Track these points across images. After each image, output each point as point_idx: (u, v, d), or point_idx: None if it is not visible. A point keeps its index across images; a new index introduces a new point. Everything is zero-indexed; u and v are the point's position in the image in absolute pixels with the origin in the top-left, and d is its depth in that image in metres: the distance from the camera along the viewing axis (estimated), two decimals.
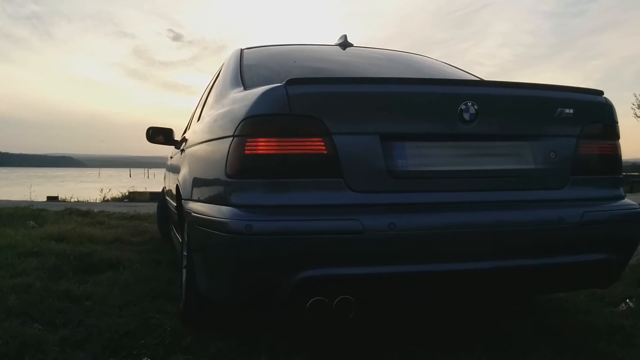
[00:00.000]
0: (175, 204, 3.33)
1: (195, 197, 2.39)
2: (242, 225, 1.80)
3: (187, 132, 3.69)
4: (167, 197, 4.44)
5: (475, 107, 2.01)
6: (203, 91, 3.92)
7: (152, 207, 8.11)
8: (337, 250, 1.84)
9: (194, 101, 4.56)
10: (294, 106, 1.88)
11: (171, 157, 4.52)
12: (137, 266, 3.96)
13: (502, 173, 2.11)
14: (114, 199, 15.94)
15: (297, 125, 1.90)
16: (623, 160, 2.43)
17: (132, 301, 3.02)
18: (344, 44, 3.43)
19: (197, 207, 2.22)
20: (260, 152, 1.91)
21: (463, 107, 2.00)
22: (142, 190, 17.47)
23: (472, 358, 2.23)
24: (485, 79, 2.92)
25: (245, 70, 2.66)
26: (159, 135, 4.22)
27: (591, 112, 2.23)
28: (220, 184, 2.02)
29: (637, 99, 29.93)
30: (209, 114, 2.72)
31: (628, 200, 2.27)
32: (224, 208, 1.93)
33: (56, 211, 7.95)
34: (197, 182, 2.46)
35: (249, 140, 1.91)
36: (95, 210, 8.58)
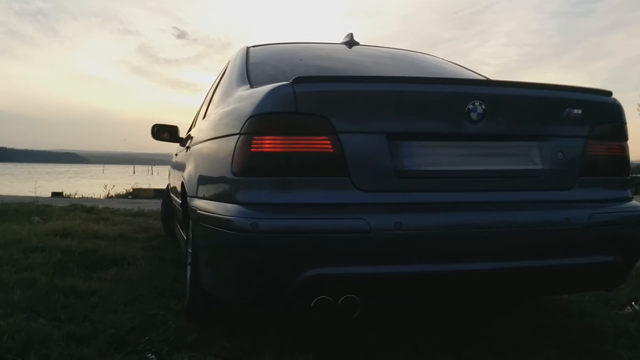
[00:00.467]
0: (180, 201, 3.33)
1: (200, 194, 2.39)
2: (248, 223, 1.80)
3: (193, 129, 3.70)
4: (172, 194, 4.45)
5: (483, 106, 2.00)
6: (208, 89, 3.92)
7: (156, 204, 8.12)
8: (343, 249, 1.83)
9: (198, 99, 4.57)
10: (300, 104, 1.88)
11: (176, 155, 4.52)
12: (141, 263, 3.97)
13: (509, 173, 2.11)
14: (118, 196, 15.97)
15: (303, 123, 1.90)
16: (631, 161, 2.41)
17: (136, 297, 3.02)
18: (350, 42, 3.42)
19: (203, 205, 2.22)
20: (266, 150, 1.90)
21: (470, 106, 1.99)
22: (146, 187, 17.50)
23: (477, 357, 2.22)
24: (491, 78, 2.91)
25: (251, 68, 2.66)
26: (164, 132, 4.22)
27: (599, 112, 2.22)
28: (226, 182, 2.02)
29: None
30: (214, 111, 2.72)
31: (635, 202, 2.25)
32: (230, 206, 1.93)
33: (61, 207, 7.97)
34: (202, 180, 2.46)
35: (256, 138, 1.91)
36: (100, 206, 8.60)
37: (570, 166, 2.16)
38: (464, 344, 2.36)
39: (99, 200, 13.07)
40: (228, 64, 3.10)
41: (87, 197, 14.30)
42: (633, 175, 19.19)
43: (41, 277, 3.31)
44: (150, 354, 2.24)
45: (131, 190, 16.89)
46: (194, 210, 2.36)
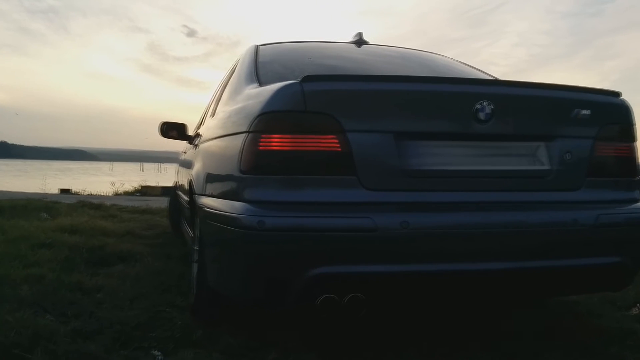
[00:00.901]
0: (187, 199, 3.34)
1: (208, 192, 2.39)
2: (255, 221, 1.80)
3: (201, 127, 3.70)
4: (180, 192, 4.46)
5: (491, 106, 1.99)
6: (217, 87, 3.93)
7: (163, 202, 8.14)
8: (349, 248, 1.83)
9: (207, 97, 4.57)
10: (309, 103, 1.88)
11: (184, 152, 4.53)
12: (148, 260, 3.98)
13: (517, 173, 2.10)
14: (126, 193, 16.00)
15: (311, 122, 1.90)
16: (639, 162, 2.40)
17: (143, 294, 3.03)
18: (359, 41, 3.42)
19: (210, 202, 2.22)
20: (274, 148, 1.91)
21: (478, 106, 1.99)
22: (154, 185, 17.53)
23: (484, 357, 2.22)
24: (500, 78, 2.90)
25: (260, 66, 2.66)
26: (173, 130, 4.23)
27: (608, 113, 2.21)
28: (234, 180, 2.02)
29: None
30: (223, 109, 2.73)
31: None
32: (237, 203, 1.93)
33: (69, 204, 8.00)
34: (210, 177, 2.47)
35: (264, 136, 1.91)
36: (108, 203, 8.62)
37: (578, 167, 2.15)
38: (470, 343, 2.36)
39: (107, 197, 13.10)
40: (237, 62, 3.11)
41: (95, 195, 14.33)
42: None
43: (48, 273, 3.33)
44: (155, 351, 2.25)
45: (139, 187, 16.93)
46: (201, 207, 2.37)
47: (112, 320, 2.54)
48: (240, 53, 3.17)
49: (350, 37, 3.53)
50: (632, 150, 2.28)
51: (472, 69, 3.21)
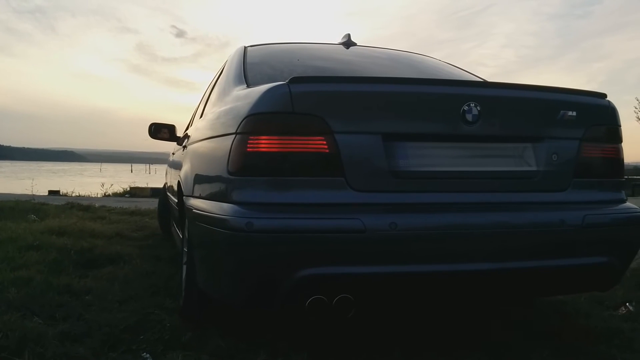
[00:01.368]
0: (176, 200, 3.33)
1: (196, 193, 2.39)
2: (243, 223, 1.80)
3: (190, 128, 3.70)
4: (169, 193, 4.45)
5: (478, 108, 2.01)
6: (206, 88, 3.92)
7: (153, 203, 8.12)
8: (338, 249, 1.84)
9: (196, 98, 4.57)
10: (296, 104, 1.88)
11: (173, 154, 4.52)
12: (137, 261, 3.96)
13: (504, 174, 2.11)
14: (115, 194, 15.94)
15: (299, 123, 1.90)
16: (625, 163, 2.42)
17: (132, 296, 3.02)
18: (348, 42, 3.43)
19: (199, 204, 2.22)
20: (262, 149, 1.91)
21: (466, 107, 2.00)
22: (143, 186, 17.47)
23: (471, 358, 2.23)
24: (488, 80, 2.91)
25: (248, 68, 2.66)
26: (162, 131, 4.22)
27: (594, 114, 2.23)
28: (222, 181, 2.02)
29: None
30: (211, 110, 2.72)
31: (629, 204, 2.26)
32: (225, 205, 1.93)
33: (57, 205, 7.96)
34: (198, 179, 2.46)
35: (251, 137, 1.91)
36: (97, 205, 8.59)
37: (565, 168, 2.17)
38: (458, 344, 2.37)
39: (96, 198, 13.05)
40: (225, 63, 3.10)
41: (84, 196, 14.26)
42: (630, 177, 19.24)
43: (36, 276, 3.30)
44: (144, 353, 2.24)
45: (128, 189, 16.86)
46: (189, 209, 2.36)
47: (101, 323, 2.52)
48: (229, 54, 3.17)
49: (338, 38, 3.54)
50: (618, 151, 2.30)
51: (460, 71, 3.23)
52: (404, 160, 1.99)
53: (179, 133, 4.18)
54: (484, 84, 2.48)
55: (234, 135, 1.97)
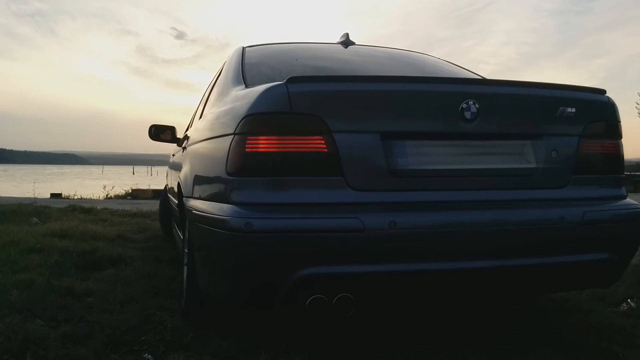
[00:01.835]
0: (176, 202, 3.34)
1: (196, 194, 2.39)
2: (243, 223, 1.80)
3: (189, 129, 3.70)
4: (169, 195, 4.45)
5: (477, 105, 2.00)
6: (205, 89, 3.93)
7: (154, 205, 8.11)
8: (337, 249, 1.84)
9: (196, 99, 4.57)
10: (294, 104, 1.88)
11: (173, 155, 4.53)
12: (139, 263, 3.97)
13: (504, 172, 2.11)
14: (117, 197, 15.94)
15: (297, 123, 1.90)
16: (627, 159, 2.42)
17: (133, 298, 3.03)
18: (346, 42, 3.43)
19: (198, 205, 2.22)
20: (261, 150, 1.91)
21: (464, 105, 1.99)
22: (145, 188, 17.48)
23: (473, 356, 2.23)
24: (489, 77, 2.91)
25: (247, 68, 2.66)
26: (162, 133, 4.22)
27: (593, 111, 2.22)
28: (221, 182, 2.02)
29: None
30: (210, 111, 2.73)
31: (630, 200, 2.26)
32: (225, 206, 1.93)
33: (59, 208, 7.96)
34: (198, 180, 2.47)
35: (250, 138, 1.91)
36: (99, 207, 8.59)
37: (564, 164, 2.16)
38: (460, 342, 2.37)
39: (97, 201, 13.05)
40: (224, 64, 3.11)
41: (86, 198, 14.26)
42: (632, 173, 19.21)
43: (38, 278, 3.31)
44: (146, 354, 2.25)
45: (130, 191, 16.87)
46: (189, 210, 2.37)
47: (103, 324, 2.53)
48: (228, 55, 3.17)
49: (337, 37, 3.54)
50: (618, 147, 2.30)
51: (459, 69, 3.23)
52: (402, 159, 1.99)
53: (179, 134, 4.19)
54: (483, 82, 2.48)
55: (232, 136, 1.97)
